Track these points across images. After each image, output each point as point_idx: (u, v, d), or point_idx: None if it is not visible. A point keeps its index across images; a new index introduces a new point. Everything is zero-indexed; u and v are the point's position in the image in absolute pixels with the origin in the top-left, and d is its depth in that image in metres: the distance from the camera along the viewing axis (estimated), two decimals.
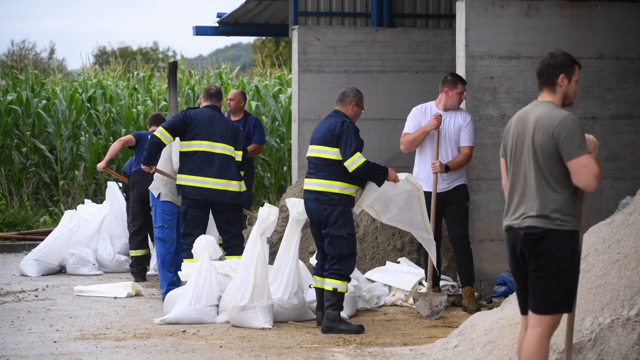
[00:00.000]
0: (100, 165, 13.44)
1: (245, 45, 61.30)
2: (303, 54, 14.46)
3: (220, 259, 10.71)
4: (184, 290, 10.20)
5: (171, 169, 11.28)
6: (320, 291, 9.76)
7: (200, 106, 11.36)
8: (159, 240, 11.45)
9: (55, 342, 9.19)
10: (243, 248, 10.29)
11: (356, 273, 11.07)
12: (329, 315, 9.56)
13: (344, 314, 10.23)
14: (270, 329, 9.68)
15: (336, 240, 9.59)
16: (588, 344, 7.21)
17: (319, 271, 9.78)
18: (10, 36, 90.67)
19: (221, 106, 11.38)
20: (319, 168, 9.68)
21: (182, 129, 10.90)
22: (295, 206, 9.97)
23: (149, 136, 11.59)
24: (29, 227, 18.22)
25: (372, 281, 11.18)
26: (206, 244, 10.21)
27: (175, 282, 11.37)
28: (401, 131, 10.88)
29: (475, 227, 11.22)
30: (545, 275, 6.08)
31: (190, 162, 10.89)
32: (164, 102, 21.15)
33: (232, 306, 9.80)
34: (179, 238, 11.55)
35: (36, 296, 11.96)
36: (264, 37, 42.48)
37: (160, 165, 11.23)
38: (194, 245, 10.33)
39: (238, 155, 11.02)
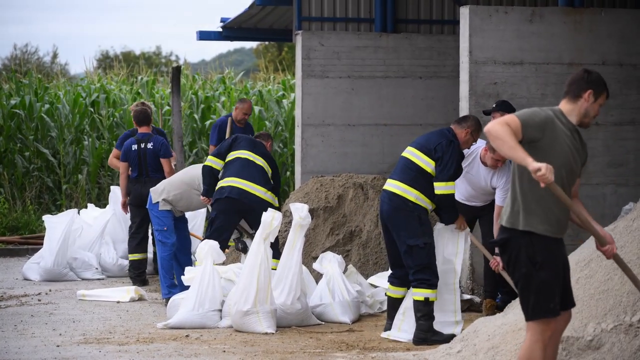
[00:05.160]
0: (122, 204, 13.53)
1: (248, 50, 61.33)
2: (307, 59, 14.47)
3: (224, 263, 10.73)
4: (187, 294, 10.20)
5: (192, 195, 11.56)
6: (392, 299, 9.56)
7: None
8: (159, 243, 11.54)
9: (58, 346, 9.20)
10: (280, 252, 10.40)
11: (359, 278, 11.09)
12: (422, 326, 9.18)
13: (346, 319, 10.25)
14: (273, 333, 9.68)
15: (414, 251, 9.18)
16: (590, 349, 7.21)
17: (392, 279, 9.57)
18: (12, 40, 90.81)
19: (270, 147, 11.70)
20: (404, 170, 9.29)
21: (230, 149, 11.28)
22: (299, 211, 9.96)
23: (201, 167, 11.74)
24: (32, 231, 18.21)
25: (375, 286, 11.18)
26: (209, 248, 10.22)
27: (175, 285, 11.41)
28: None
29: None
30: None
31: (230, 168, 11.15)
32: (167, 107, 21.15)
33: (235, 311, 9.81)
34: (180, 240, 11.65)
35: (39, 300, 11.97)
36: (267, 42, 42.48)
37: (177, 187, 11.52)
38: (197, 249, 10.36)
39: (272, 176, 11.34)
